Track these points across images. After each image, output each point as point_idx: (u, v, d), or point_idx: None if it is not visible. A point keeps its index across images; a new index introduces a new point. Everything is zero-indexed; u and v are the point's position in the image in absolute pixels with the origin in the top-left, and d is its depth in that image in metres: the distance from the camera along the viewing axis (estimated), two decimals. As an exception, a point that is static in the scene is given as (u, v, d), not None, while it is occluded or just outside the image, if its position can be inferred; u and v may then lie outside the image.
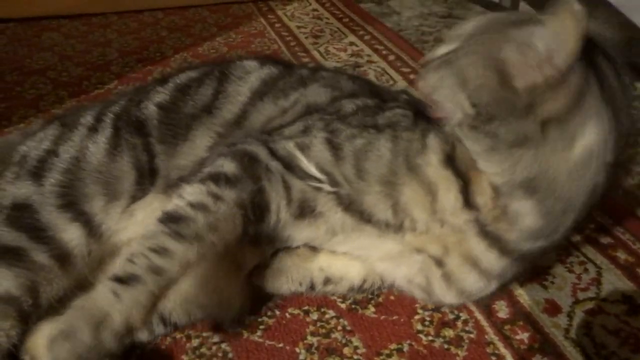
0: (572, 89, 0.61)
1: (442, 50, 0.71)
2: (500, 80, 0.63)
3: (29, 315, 0.66)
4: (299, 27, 1.90)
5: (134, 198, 0.77)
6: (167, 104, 0.85)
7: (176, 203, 0.67)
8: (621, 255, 0.90)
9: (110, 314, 0.58)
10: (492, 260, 0.71)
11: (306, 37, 1.81)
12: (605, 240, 0.93)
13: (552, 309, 0.81)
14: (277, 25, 1.93)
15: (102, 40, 1.78)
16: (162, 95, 0.86)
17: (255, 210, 0.70)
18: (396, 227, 0.72)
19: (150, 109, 0.84)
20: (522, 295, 0.83)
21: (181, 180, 0.78)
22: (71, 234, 0.72)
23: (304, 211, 0.73)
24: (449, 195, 0.69)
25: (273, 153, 0.72)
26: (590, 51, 0.61)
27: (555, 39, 0.59)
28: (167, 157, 0.81)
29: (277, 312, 0.80)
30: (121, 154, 0.79)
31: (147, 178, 0.79)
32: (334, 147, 0.72)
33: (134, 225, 0.76)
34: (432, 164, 0.70)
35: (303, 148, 0.72)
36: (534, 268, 0.86)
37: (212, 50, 1.70)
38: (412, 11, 2.05)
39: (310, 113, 0.79)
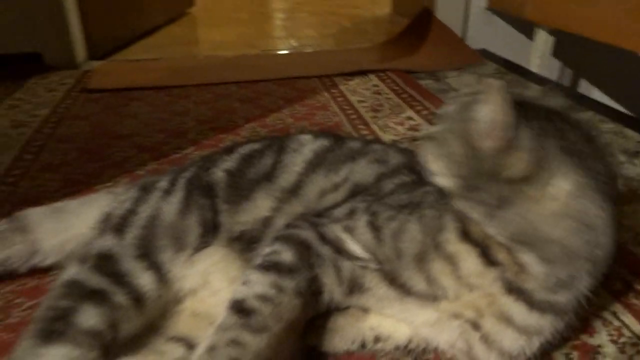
0: (528, 150, 0.70)
1: (433, 128, 0.82)
2: (470, 152, 0.73)
3: (110, 348, 0.74)
4: (359, 101, 2.01)
5: (197, 249, 0.88)
6: (233, 170, 0.98)
7: (243, 292, 0.76)
8: (677, 337, 0.89)
9: None
10: (523, 313, 0.75)
11: (366, 111, 1.91)
12: (660, 320, 0.92)
13: (602, 386, 0.80)
14: (339, 99, 2.05)
15: (181, 109, 1.95)
16: (229, 162, 1.00)
17: (311, 296, 0.79)
18: (432, 296, 0.79)
19: (218, 174, 0.97)
20: (571, 370, 0.83)
21: (242, 234, 0.89)
22: (145, 280, 0.82)
23: (354, 289, 0.81)
24: (467, 262, 0.76)
25: (323, 237, 0.82)
26: (545, 116, 0.72)
27: (489, 113, 0.69)
28: (229, 214, 0.92)
29: (328, 369, 0.84)
30: (191, 212, 0.91)
31: (211, 232, 0.90)
32: (376, 229, 0.81)
33: (194, 274, 0.87)
34: (450, 241, 0.77)
35: (349, 231, 0.82)
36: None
37: (279, 121, 1.83)
38: (469, 88, 2.13)
39: (356, 193, 0.90)
